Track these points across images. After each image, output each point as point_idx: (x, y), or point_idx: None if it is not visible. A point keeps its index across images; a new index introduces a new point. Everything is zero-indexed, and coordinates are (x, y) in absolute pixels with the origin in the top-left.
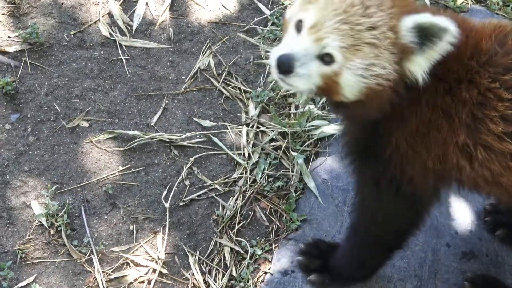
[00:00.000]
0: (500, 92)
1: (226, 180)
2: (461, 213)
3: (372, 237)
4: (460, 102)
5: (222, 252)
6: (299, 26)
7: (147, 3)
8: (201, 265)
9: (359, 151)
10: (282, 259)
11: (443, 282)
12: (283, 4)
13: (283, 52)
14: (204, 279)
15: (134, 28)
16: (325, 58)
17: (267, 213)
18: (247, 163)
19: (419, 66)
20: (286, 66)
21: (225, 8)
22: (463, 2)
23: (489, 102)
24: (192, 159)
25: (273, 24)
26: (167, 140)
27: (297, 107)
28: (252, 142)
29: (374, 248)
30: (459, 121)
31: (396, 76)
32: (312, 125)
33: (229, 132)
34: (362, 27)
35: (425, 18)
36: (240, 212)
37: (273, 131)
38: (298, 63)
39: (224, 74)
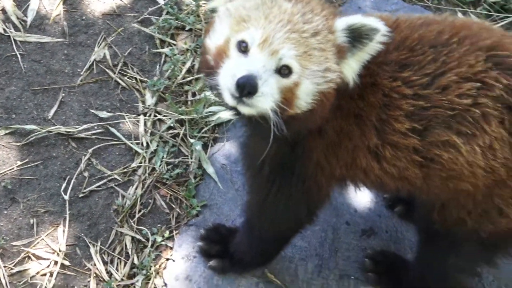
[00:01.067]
0: (402, 89)
1: (125, 170)
2: (360, 192)
3: (268, 233)
4: (369, 106)
5: (124, 241)
6: (242, 47)
7: None
8: (103, 255)
9: (275, 166)
10: (183, 245)
11: (344, 260)
12: None
13: (242, 74)
14: (106, 269)
15: (28, 23)
16: (283, 71)
17: (168, 200)
18: (146, 152)
19: (351, 69)
20: (250, 87)
21: None
22: None
23: (394, 102)
24: (90, 150)
25: (167, 13)
26: (65, 133)
27: (193, 94)
28: (150, 131)
29: (271, 240)
30: (369, 124)
31: (339, 80)
32: (209, 112)
33: (127, 122)
34: (308, 34)
35: (356, 19)
36: (140, 201)
37: (170, 119)
38: (260, 81)
39: (120, 65)
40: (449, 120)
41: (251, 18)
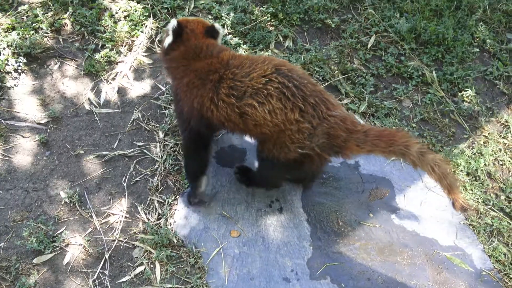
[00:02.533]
0: (229, 76)
1: (152, 169)
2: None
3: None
4: (210, 78)
5: (154, 203)
6: None
7: None
8: (144, 211)
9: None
10: (181, 203)
11: (259, 198)
12: None
13: None
14: (146, 217)
15: (101, 103)
16: None
17: (173, 182)
18: (162, 160)
19: None
20: None
21: None
22: None
23: (224, 80)
24: (135, 161)
25: (167, 94)
26: (122, 154)
27: None
28: (162, 150)
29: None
30: (209, 85)
31: None
32: None
33: (151, 147)
34: None
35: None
36: (160, 183)
37: (171, 143)
38: None
39: (146, 120)
40: (252, 93)
41: None
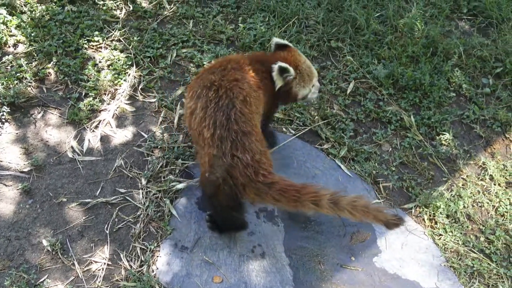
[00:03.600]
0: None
1: (135, 216)
2: None
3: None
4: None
5: (136, 249)
6: (313, 85)
7: None
8: (127, 258)
9: None
10: (165, 249)
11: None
12: None
13: (319, 88)
14: (128, 264)
15: (84, 151)
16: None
17: (156, 228)
18: (144, 206)
19: None
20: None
21: None
22: None
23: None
24: (117, 208)
25: (149, 141)
26: (105, 201)
27: (164, 177)
28: (145, 197)
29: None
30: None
31: None
32: (172, 185)
33: (134, 194)
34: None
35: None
36: (143, 229)
37: (153, 190)
38: None
39: (128, 167)
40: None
41: (311, 79)
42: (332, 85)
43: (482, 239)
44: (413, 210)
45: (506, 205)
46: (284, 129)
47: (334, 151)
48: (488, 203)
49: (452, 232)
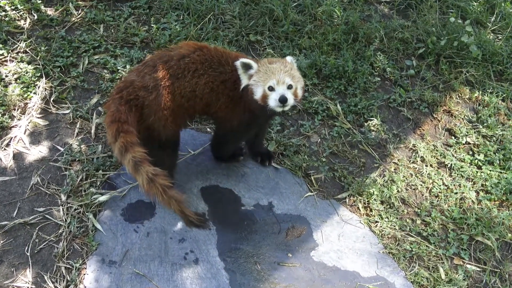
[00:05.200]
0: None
1: (56, 235)
2: None
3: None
4: None
5: (61, 269)
6: (271, 88)
7: None
8: (51, 279)
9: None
10: (92, 265)
11: None
12: None
13: (280, 96)
14: (54, 286)
15: None
16: (289, 87)
17: (81, 245)
18: (66, 223)
19: None
20: (285, 99)
21: None
22: None
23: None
24: (37, 228)
25: (66, 155)
26: (23, 222)
27: (85, 191)
28: (66, 212)
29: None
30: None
31: None
32: (94, 197)
33: (54, 211)
34: (288, 71)
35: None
36: (67, 248)
37: (74, 205)
38: (288, 96)
39: (46, 183)
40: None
41: (268, 78)
42: None
43: (418, 222)
44: (347, 200)
45: (439, 186)
46: (208, 129)
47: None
48: (421, 185)
49: (388, 218)
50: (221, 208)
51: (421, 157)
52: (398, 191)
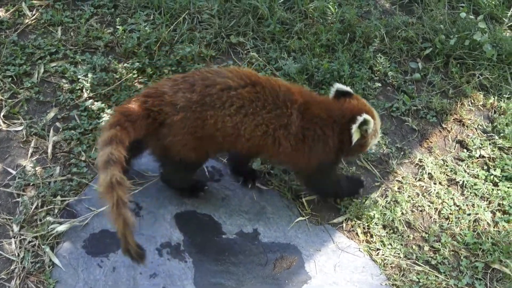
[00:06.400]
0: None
1: (7, 272)
2: None
3: None
4: None
5: None
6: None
7: None
8: None
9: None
10: None
11: None
12: None
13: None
14: None
15: None
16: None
17: (35, 282)
18: (18, 258)
19: None
20: None
21: None
22: None
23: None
24: None
25: (19, 178)
26: None
27: (40, 220)
28: (19, 246)
29: None
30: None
31: None
32: (51, 228)
33: (4, 244)
34: None
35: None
36: (20, 287)
37: (28, 237)
38: None
39: None
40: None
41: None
42: None
43: (426, 248)
44: (344, 225)
45: (450, 206)
46: None
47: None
48: (429, 206)
49: (391, 245)
50: (198, 237)
51: (429, 173)
52: (402, 213)
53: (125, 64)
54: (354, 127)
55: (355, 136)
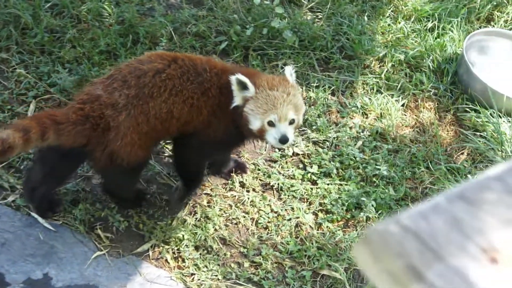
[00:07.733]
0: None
1: None
2: None
3: None
4: None
5: None
6: (271, 123)
7: None
8: None
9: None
10: None
11: None
12: None
13: (281, 136)
14: None
15: None
16: (291, 121)
17: None
18: None
19: None
20: (286, 140)
21: None
22: None
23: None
24: None
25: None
26: None
27: None
28: None
29: None
30: None
31: None
32: None
33: None
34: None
35: None
36: None
37: None
38: (289, 135)
39: None
40: None
41: (268, 110)
42: (4, 113)
43: (246, 264)
44: (150, 253)
45: (267, 214)
46: None
47: (23, 201)
48: (244, 217)
49: (206, 267)
50: None
51: (240, 181)
52: (215, 229)
53: None
54: (234, 88)
55: (236, 99)
